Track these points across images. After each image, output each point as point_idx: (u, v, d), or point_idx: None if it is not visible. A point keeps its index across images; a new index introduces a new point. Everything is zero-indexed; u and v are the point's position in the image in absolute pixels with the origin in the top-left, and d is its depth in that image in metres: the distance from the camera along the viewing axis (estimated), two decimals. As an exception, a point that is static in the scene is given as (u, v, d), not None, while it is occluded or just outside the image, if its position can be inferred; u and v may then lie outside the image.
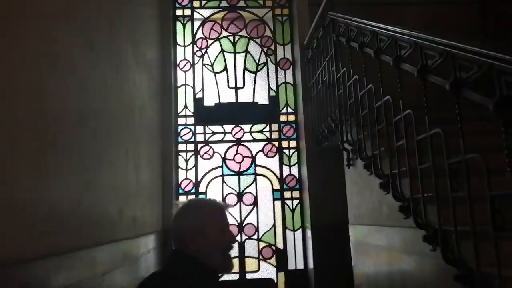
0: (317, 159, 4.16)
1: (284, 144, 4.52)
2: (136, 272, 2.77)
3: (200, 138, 4.47)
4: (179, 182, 4.34)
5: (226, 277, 4.10)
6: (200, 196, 4.31)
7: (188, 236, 1.40)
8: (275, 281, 4.20)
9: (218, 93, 4.57)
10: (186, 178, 4.37)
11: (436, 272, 1.78)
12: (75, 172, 1.76)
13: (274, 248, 4.27)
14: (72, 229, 1.68)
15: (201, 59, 4.60)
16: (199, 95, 4.55)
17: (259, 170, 4.45)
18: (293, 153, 4.50)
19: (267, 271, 4.24)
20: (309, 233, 4.16)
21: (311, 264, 4.08)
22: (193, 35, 4.63)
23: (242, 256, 4.22)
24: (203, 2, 4.71)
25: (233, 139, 4.48)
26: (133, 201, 2.76)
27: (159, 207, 3.88)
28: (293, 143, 4.52)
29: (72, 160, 1.75)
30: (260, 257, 4.24)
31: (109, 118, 2.33)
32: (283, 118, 4.58)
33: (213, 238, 1.42)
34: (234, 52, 4.64)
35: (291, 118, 4.58)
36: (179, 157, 4.41)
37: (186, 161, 4.41)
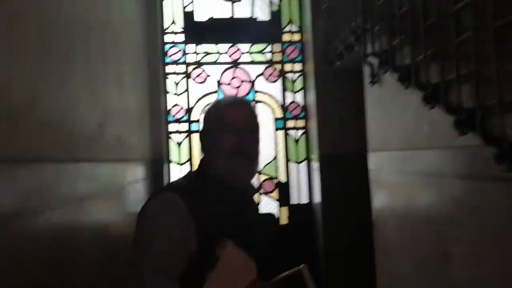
0: (327, 83, 3.74)
1: (288, 67, 4.06)
2: (123, 203, 2.42)
3: (191, 58, 3.96)
4: (169, 109, 3.91)
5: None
6: (194, 124, 3.90)
7: (201, 142, 1.28)
8: (277, 216, 3.96)
9: (211, 7, 3.99)
10: (177, 105, 3.93)
11: (504, 198, 1.45)
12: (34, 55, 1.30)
13: (276, 181, 3.97)
14: (34, 132, 1.27)
15: (191, -36, 3.96)
16: (189, 8, 3.98)
17: (259, 96, 4.02)
18: (298, 77, 4.05)
19: (269, 205, 3.97)
20: (315, 165, 3.85)
21: (317, 198, 3.81)
22: None
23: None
24: None
25: (229, 60, 3.99)
26: (116, 119, 2.34)
27: (147, 135, 3.48)
28: (298, 66, 4.06)
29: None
30: (261, 190, 3.95)
31: (82, 23, 1.84)
32: (286, 37, 4.08)
33: (218, 141, 1.20)
34: (230, -43, 4.00)
35: (296, 37, 4.08)
36: (168, 80, 3.93)
37: (176, 84, 3.94)
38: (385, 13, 2.29)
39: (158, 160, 3.58)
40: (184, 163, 3.88)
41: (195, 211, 1.08)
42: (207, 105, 1.33)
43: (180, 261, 1.04)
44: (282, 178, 3.99)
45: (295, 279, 1.08)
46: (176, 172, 3.85)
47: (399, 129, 2.28)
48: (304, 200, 3.98)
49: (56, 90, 1.47)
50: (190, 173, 1.34)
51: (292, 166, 4.01)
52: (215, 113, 1.25)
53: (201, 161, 1.26)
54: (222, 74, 3.98)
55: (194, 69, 3.95)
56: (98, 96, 1.99)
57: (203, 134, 1.27)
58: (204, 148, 1.26)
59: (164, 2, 3.92)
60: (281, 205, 3.96)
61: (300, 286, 1.06)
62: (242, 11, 4.04)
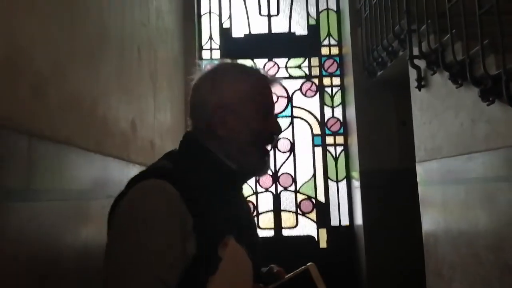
0: (367, 96, 3.60)
1: (326, 81, 3.97)
2: None
3: (227, 74, 3.95)
4: (204, 125, 3.87)
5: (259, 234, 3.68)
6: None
7: (217, 115, 0.92)
8: (316, 238, 3.76)
9: (248, 22, 4.02)
10: (212, 121, 3.89)
11: None
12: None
13: (314, 201, 3.80)
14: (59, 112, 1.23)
15: (228, -18, 4.03)
16: (226, 25, 4.02)
17: (297, 112, 3.93)
18: (337, 92, 3.94)
19: (306, 227, 3.79)
20: (355, 183, 3.66)
21: (359, 220, 3.60)
22: (218, -46, 4.05)
23: (277, 210, 3.78)
24: None
25: (266, 76, 3.94)
26: (150, 125, 2.31)
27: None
28: (336, 80, 3.96)
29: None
30: (298, 211, 3.79)
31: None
32: (324, 51, 4.01)
33: (253, 121, 0.93)
34: (267, -26, 4.04)
35: (335, 50, 4.00)
36: (204, 96, 3.92)
37: (212, 101, 3.92)
38: (431, 11, 2.18)
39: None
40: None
41: (193, 202, 0.83)
42: (221, 69, 0.99)
43: (176, 267, 0.80)
44: (321, 198, 3.81)
45: (303, 279, 0.94)
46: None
47: (452, 133, 2.11)
48: (345, 221, 3.77)
49: (86, 71, 1.45)
50: (178, 154, 0.97)
51: (331, 185, 3.83)
52: (256, 86, 0.95)
53: (198, 141, 0.95)
54: (258, 90, 3.93)
55: (230, 84, 3.93)
56: (130, 96, 1.97)
57: (229, 112, 0.92)
58: (223, 127, 0.92)
59: (202, 18, 3.99)
60: (319, 227, 3.77)
61: (308, 286, 0.92)
62: (279, 26, 4.03)
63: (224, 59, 1.09)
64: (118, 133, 1.73)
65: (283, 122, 3.92)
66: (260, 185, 3.78)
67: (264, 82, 0.99)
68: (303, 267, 0.96)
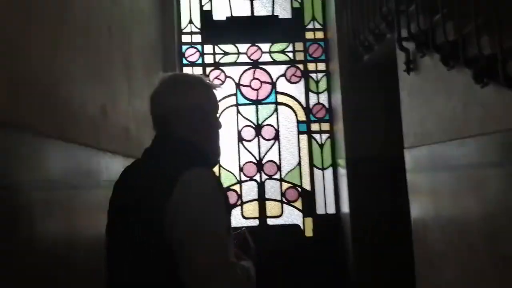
0: (354, 82, 3.53)
1: (311, 66, 3.88)
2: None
3: (209, 59, 3.83)
4: (185, 113, 3.75)
5: (244, 223, 3.61)
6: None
7: (185, 115, 1.17)
8: (302, 227, 3.70)
9: (230, 5, 3.88)
10: (193, 108, 3.76)
11: None
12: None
13: (299, 189, 3.74)
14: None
15: (208, -38, 3.87)
16: (206, 7, 3.86)
17: (281, 98, 3.83)
18: (322, 77, 3.86)
19: (292, 216, 3.72)
20: (342, 171, 3.61)
21: (345, 208, 3.55)
22: None
23: (262, 199, 3.70)
24: None
25: (249, 61, 3.84)
26: (124, 112, 2.18)
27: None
28: (321, 66, 3.87)
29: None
30: (284, 199, 3.71)
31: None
32: (309, 35, 3.91)
33: (214, 120, 1.25)
34: (249, -46, 3.89)
35: (319, 35, 3.90)
36: (184, 82, 3.78)
37: (193, 87, 3.79)
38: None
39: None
40: (201, 170, 3.69)
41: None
42: (185, 81, 1.26)
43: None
44: (306, 186, 3.75)
45: (245, 241, 1.29)
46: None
47: (443, 117, 2.04)
48: (331, 210, 3.72)
49: (42, 47, 1.31)
50: (180, 147, 1.15)
51: (317, 172, 3.77)
52: (212, 95, 1.24)
53: (189, 140, 1.17)
54: (241, 75, 3.82)
55: (212, 70, 3.81)
56: (99, 79, 1.83)
57: (198, 114, 1.19)
58: (196, 129, 1.19)
59: (181, 0, 3.83)
60: (305, 216, 3.71)
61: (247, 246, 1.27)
62: (262, 9, 3.91)
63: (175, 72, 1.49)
64: (84, 118, 1.60)
65: (267, 109, 3.82)
66: (244, 174, 3.69)
67: (214, 89, 1.26)
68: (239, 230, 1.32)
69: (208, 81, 1.28)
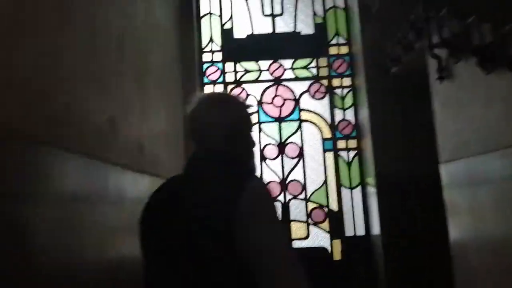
0: (381, 97, 3.39)
1: (336, 82, 3.76)
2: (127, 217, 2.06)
3: (230, 77, 3.77)
4: (207, 132, 3.68)
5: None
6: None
7: (225, 131, 1.19)
8: (329, 250, 3.51)
9: (251, 23, 3.84)
10: (215, 127, 3.69)
11: None
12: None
13: (326, 209, 3.57)
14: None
15: (229, -19, 3.87)
16: (227, 26, 3.84)
17: (305, 115, 3.72)
18: (348, 93, 3.73)
19: (319, 238, 3.54)
20: (371, 190, 3.42)
21: (376, 229, 3.35)
22: (218, -48, 3.89)
23: (286, 220, 3.54)
24: None
25: (271, 78, 3.76)
26: (137, 127, 2.11)
27: (180, 158, 3.24)
28: (347, 81, 3.75)
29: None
30: (310, 221, 3.55)
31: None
32: (333, 50, 3.81)
33: (250, 138, 1.27)
34: (270, -29, 3.87)
35: (344, 49, 3.80)
36: (206, 101, 3.73)
37: (214, 106, 3.73)
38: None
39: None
40: (223, 190, 3.58)
41: None
42: (226, 103, 1.26)
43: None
44: (334, 206, 3.58)
45: None
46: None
47: (482, 127, 1.88)
48: (361, 231, 3.52)
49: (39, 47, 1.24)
50: (228, 160, 1.20)
51: (345, 192, 3.60)
52: (248, 114, 1.28)
53: (233, 154, 1.21)
54: (263, 93, 3.74)
55: (233, 88, 3.75)
56: (107, 90, 1.76)
57: (239, 132, 1.23)
58: (237, 145, 1.21)
59: (202, 19, 3.82)
60: (333, 238, 3.52)
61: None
62: (284, 26, 3.85)
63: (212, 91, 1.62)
64: (89, 129, 1.52)
65: (291, 126, 3.71)
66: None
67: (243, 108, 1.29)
68: None
69: (243, 100, 1.37)
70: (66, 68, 1.42)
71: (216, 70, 3.77)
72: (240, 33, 3.83)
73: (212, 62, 3.79)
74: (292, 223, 3.55)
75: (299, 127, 3.69)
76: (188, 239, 1.06)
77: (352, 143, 3.65)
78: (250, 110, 1.29)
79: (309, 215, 3.55)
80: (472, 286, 2.06)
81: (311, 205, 3.57)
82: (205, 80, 3.76)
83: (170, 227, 1.11)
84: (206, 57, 3.81)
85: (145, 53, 2.48)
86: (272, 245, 1.05)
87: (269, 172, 3.59)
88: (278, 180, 3.60)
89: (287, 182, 3.60)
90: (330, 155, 3.65)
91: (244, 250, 1.02)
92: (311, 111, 3.72)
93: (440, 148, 2.33)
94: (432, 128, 2.57)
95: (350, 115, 3.70)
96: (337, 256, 3.49)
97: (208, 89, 3.74)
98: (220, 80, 3.76)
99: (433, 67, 2.27)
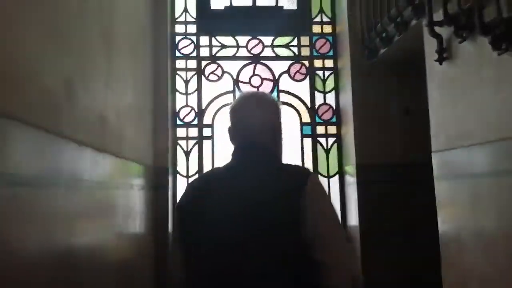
0: (366, 81, 3.21)
1: (318, 63, 3.56)
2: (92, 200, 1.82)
3: (204, 52, 3.49)
4: (177, 110, 3.40)
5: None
6: (206, 129, 3.40)
7: (272, 133, 1.32)
8: (304, 241, 3.33)
9: (230, -7, 3.56)
10: (186, 105, 3.42)
11: None
12: None
13: (302, 199, 3.38)
14: None
15: None
16: (203, -5, 3.54)
17: (283, 97, 3.50)
18: (330, 75, 3.54)
19: (294, 228, 3.36)
20: (350, 179, 3.27)
21: (353, 221, 3.20)
22: None
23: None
24: None
25: (249, 55, 3.51)
26: (100, 95, 1.82)
27: (149, 138, 2.96)
28: (329, 63, 3.55)
29: None
30: (285, 210, 3.35)
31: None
32: (316, 28, 3.60)
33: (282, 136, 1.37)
34: None
35: (327, 29, 3.59)
36: (177, 77, 3.44)
37: (186, 82, 3.45)
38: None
39: (161, 169, 3.04)
40: (193, 175, 3.33)
41: None
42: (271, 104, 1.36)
43: None
44: (310, 195, 3.39)
45: None
46: (183, 185, 3.31)
47: (489, 113, 1.71)
48: (337, 222, 3.37)
49: None
50: (275, 160, 1.31)
51: (322, 180, 3.43)
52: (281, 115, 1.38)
53: (275, 152, 1.32)
54: (240, 71, 3.49)
55: (207, 64, 3.47)
56: (64, 44, 1.46)
57: (278, 131, 1.34)
58: (277, 144, 1.33)
59: (175, -13, 3.50)
60: (308, 228, 3.35)
61: None
62: (265, -1, 3.59)
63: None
64: (38, 92, 1.23)
65: (268, 109, 3.48)
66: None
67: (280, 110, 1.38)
68: None
69: (279, 101, 1.51)
70: (10, 14, 1.13)
71: (190, 44, 3.47)
72: (217, 4, 3.54)
73: (186, 35, 3.49)
74: (266, 212, 3.34)
75: (277, 109, 3.46)
76: (246, 228, 1.12)
77: (332, 129, 3.48)
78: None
79: (284, 204, 3.35)
80: (463, 285, 1.93)
81: (286, 194, 3.37)
82: (177, 53, 3.45)
83: (223, 216, 1.16)
84: (179, 28, 3.50)
85: (111, 10, 2.15)
86: (336, 228, 1.18)
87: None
88: (253, 166, 3.38)
89: (262, 168, 3.38)
90: (308, 141, 3.46)
91: (309, 237, 1.11)
92: (290, 93, 3.51)
93: (433, 136, 2.17)
94: (421, 114, 2.42)
95: (331, 99, 3.51)
96: (312, 248, 3.31)
97: (180, 63, 3.45)
98: (194, 54, 3.47)
99: (431, 47, 2.09)
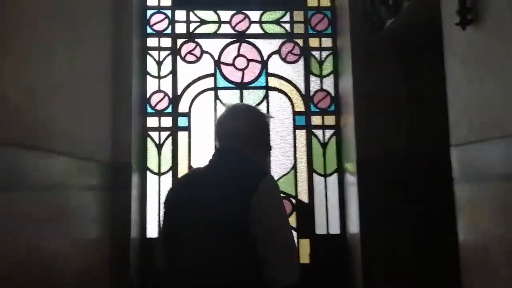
0: (369, 63, 2.77)
1: (313, 42, 3.12)
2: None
3: (181, 29, 3.06)
4: (148, 96, 2.99)
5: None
6: (182, 118, 2.99)
7: (249, 140, 1.50)
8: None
9: (211, -40, 3.12)
10: (159, 91, 3.00)
11: None
12: None
13: (293, 201, 2.96)
14: None
15: None
16: (180, -38, 3.11)
17: (273, 82, 3.07)
18: (327, 56, 3.10)
19: (283, 236, 2.95)
20: (350, 178, 2.83)
21: (354, 227, 2.77)
22: None
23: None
24: None
25: (233, 32, 3.08)
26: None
27: (106, 129, 2.54)
28: (327, 42, 3.12)
29: None
30: (273, 214, 2.94)
31: None
32: (312, 2, 3.16)
33: (264, 141, 1.58)
34: None
35: (325, 2, 3.16)
36: (148, 57, 3.02)
37: (159, 64, 3.03)
38: None
39: (122, 166, 2.62)
40: (166, 172, 2.92)
41: None
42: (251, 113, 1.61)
43: None
44: (303, 197, 2.97)
45: None
46: (154, 184, 2.90)
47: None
48: (335, 229, 2.94)
49: None
50: (247, 158, 1.50)
51: (318, 180, 2.99)
52: (266, 123, 1.61)
53: (247, 157, 1.49)
54: (222, 51, 3.06)
55: (184, 43, 3.05)
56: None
57: (255, 136, 1.53)
58: (254, 147, 1.51)
59: (146, -48, 3.07)
60: (300, 236, 2.93)
61: None
62: (252, -32, 3.15)
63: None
64: None
65: (255, 95, 3.06)
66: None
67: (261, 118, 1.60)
68: None
69: (264, 112, 1.67)
70: None
71: (164, 19, 3.05)
72: (196, -27, 3.11)
73: (159, 8, 3.06)
74: (250, 216, 2.94)
75: (266, 96, 3.04)
76: (208, 221, 1.32)
77: (330, 119, 3.04)
78: (269, 120, 1.63)
79: (272, 206, 2.94)
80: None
81: (275, 195, 2.95)
82: (149, 30, 3.03)
83: (194, 209, 1.36)
84: (151, 1, 3.08)
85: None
86: (281, 225, 1.37)
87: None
88: (236, 162, 2.96)
89: (246, 164, 2.97)
90: (302, 134, 3.03)
91: (256, 234, 1.29)
92: (281, 77, 3.07)
93: (452, 125, 1.73)
94: (437, 100, 1.99)
95: (329, 84, 3.08)
96: (304, 259, 2.89)
97: (152, 41, 3.03)
98: (168, 31, 3.04)
99: (450, 8, 1.65)
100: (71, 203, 1.98)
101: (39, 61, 1.69)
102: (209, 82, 3.03)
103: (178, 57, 3.03)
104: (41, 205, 1.67)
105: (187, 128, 2.97)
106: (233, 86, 3.04)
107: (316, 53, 3.09)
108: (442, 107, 1.79)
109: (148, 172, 2.92)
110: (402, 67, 2.75)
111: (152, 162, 2.94)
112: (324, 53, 3.09)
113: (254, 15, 3.09)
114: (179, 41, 3.05)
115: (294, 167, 2.98)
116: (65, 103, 1.92)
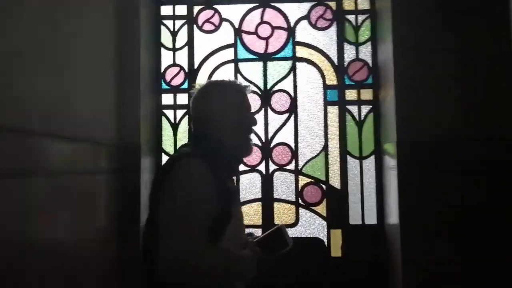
0: (414, 28, 2.40)
1: (348, 5, 2.77)
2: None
3: (197, -6, 2.80)
4: (162, 71, 2.77)
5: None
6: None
7: (213, 120, 1.54)
8: (326, 242, 2.66)
9: None
10: (174, 64, 2.77)
11: None
12: None
13: (324, 187, 2.69)
14: None
15: None
16: None
17: (301, 51, 2.76)
18: (364, 20, 2.74)
19: (312, 225, 2.69)
20: (390, 161, 2.52)
21: (393, 217, 2.47)
22: None
23: (268, 199, 2.69)
24: None
25: (256, -4, 2.78)
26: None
27: (111, 107, 2.33)
28: (364, 3, 2.75)
29: None
30: (300, 201, 2.68)
31: None
32: (346, -42, 2.80)
33: (236, 121, 1.55)
34: None
35: (362, -43, 2.78)
36: (162, 27, 2.79)
37: (174, 34, 2.79)
38: None
39: (129, 147, 2.42)
40: (183, 154, 2.72)
41: (217, 178, 1.40)
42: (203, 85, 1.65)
43: (210, 219, 1.36)
44: (335, 182, 2.69)
45: (276, 235, 1.53)
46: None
47: None
48: (371, 219, 2.65)
49: None
50: (196, 144, 1.54)
51: (352, 163, 2.69)
52: (235, 96, 1.59)
53: (207, 135, 1.54)
54: (243, 18, 2.77)
55: (201, 10, 2.78)
56: None
57: (218, 113, 1.55)
58: (214, 125, 1.55)
59: None
60: (331, 227, 2.66)
61: (280, 241, 1.52)
62: None
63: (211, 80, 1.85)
64: None
65: (280, 67, 2.77)
66: (243, 163, 2.68)
67: (241, 92, 1.61)
68: (274, 227, 1.55)
69: (237, 84, 1.66)
70: None
71: (178, -17, 2.79)
72: None
73: (170, -28, 2.80)
74: (275, 203, 2.69)
75: (292, 68, 2.74)
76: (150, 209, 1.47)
77: (367, 94, 2.70)
78: (240, 93, 1.61)
79: (299, 193, 2.67)
80: None
81: (303, 180, 2.68)
82: (161, -3, 2.78)
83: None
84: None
85: None
86: (166, 218, 1.33)
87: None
88: (259, 143, 2.71)
89: (271, 146, 2.71)
90: (334, 110, 2.72)
91: (157, 218, 1.36)
92: (310, 46, 2.75)
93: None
94: (497, 70, 1.64)
95: (366, 53, 2.73)
96: (336, 252, 2.63)
97: (165, 9, 2.79)
98: (183, -2, 2.79)
99: None
100: (77, 189, 1.86)
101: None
102: (229, 54, 2.76)
103: (195, 26, 2.78)
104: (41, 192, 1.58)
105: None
106: (255, 57, 2.76)
107: (351, 17, 2.74)
108: (504, 77, 1.44)
109: (163, 153, 2.72)
110: (454, 31, 2.36)
111: (167, 143, 2.74)
112: (361, 17, 2.73)
113: (280, -25, 2.77)
114: (196, 9, 2.78)
115: (325, 149, 2.69)
116: (55, 79, 1.72)
